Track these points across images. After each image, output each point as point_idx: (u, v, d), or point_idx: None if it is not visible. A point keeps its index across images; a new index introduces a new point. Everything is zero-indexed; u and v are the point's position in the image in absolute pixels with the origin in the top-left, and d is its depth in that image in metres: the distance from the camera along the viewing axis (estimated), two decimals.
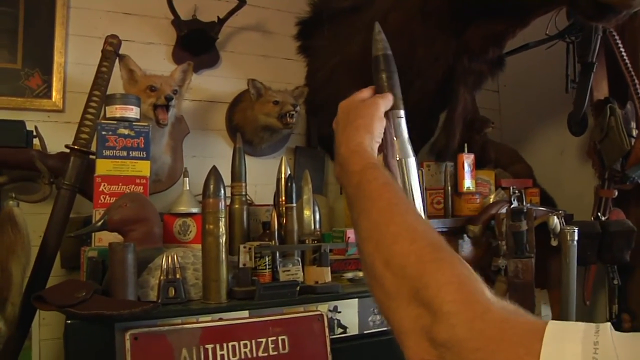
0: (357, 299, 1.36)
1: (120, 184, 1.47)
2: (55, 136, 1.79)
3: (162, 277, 1.21)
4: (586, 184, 2.36)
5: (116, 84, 1.78)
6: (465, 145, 2.17)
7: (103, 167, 1.47)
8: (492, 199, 2.15)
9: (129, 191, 1.45)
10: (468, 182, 2.14)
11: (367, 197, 0.70)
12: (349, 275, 1.49)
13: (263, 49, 2.33)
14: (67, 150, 1.60)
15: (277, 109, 2.00)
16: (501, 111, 2.97)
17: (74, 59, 1.96)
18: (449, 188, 2.13)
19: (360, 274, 1.49)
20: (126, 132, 1.48)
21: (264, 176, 2.15)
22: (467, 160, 2.16)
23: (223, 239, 1.23)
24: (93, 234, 1.43)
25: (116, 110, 1.50)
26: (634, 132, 2.18)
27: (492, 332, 0.49)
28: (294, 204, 1.48)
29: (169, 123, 1.80)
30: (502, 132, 2.86)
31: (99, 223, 1.31)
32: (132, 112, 1.51)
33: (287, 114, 1.99)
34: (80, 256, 1.47)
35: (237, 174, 1.53)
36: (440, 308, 0.52)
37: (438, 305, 0.53)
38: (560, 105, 2.41)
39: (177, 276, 1.22)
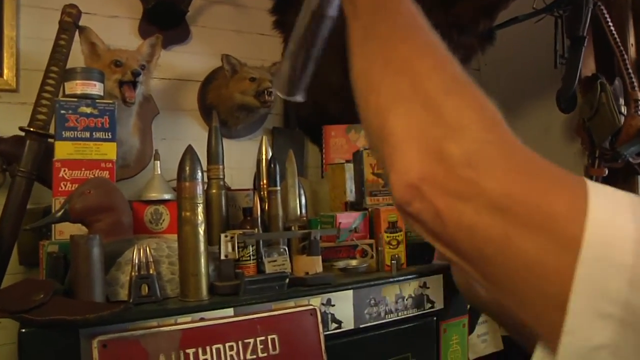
0: (351, 290, 1.24)
1: (83, 169, 1.31)
2: (8, 118, 1.64)
3: (133, 273, 1.06)
4: (572, 162, 2.31)
5: (76, 59, 1.60)
6: None
7: (63, 150, 1.30)
8: None
9: (92, 177, 1.30)
10: None
11: (404, 11, 0.56)
12: (341, 264, 1.36)
13: (236, 24, 2.17)
14: (22, 133, 1.44)
15: (254, 86, 1.85)
16: (482, 90, 2.89)
17: (27, 33, 1.77)
18: None
19: (354, 262, 1.38)
20: (88, 110, 1.32)
21: (239, 159, 2.03)
22: None
23: (202, 228, 1.09)
24: (53, 225, 1.27)
25: (77, 86, 1.33)
26: (623, 109, 2.12)
27: (530, 161, 0.43)
28: (278, 188, 1.35)
29: (136, 102, 1.64)
30: None
31: (59, 213, 1.15)
32: (95, 88, 1.35)
33: (265, 92, 1.85)
34: (39, 251, 1.31)
35: (214, 156, 1.39)
36: (474, 120, 0.45)
37: (470, 118, 0.45)
38: (543, 83, 2.34)
39: (151, 271, 1.07)
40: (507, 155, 0.44)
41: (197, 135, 2.00)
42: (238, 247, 1.16)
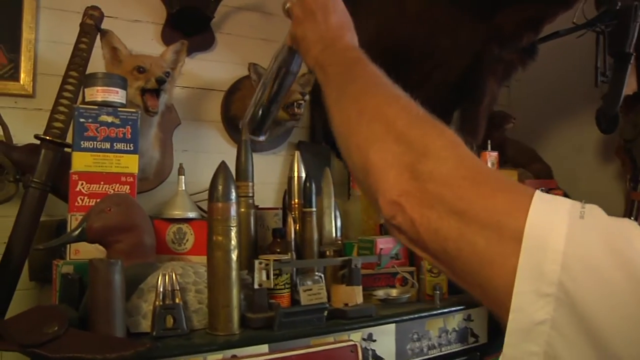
0: (394, 324, 1.12)
1: (101, 183, 1.21)
2: (24, 125, 1.55)
3: (157, 303, 0.95)
4: (605, 184, 2.20)
5: (96, 65, 1.51)
6: (489, 142, 1.95)
7: (81, 161, 1.21)
8: None
9: (112, 192, 1.20)
10: None
11: (369, 73, 0.68)
12: (380, 293, 1.24)
13: (263, 32, 2.07)
14: (37, 142, 1.35)
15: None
16: (512, 107, 2.78)
17: (46, 36, 1.68)
18: None
19: (394, 292, 1.26)
20: (110, 119, 1.22)
21: (262, 174, 1.91)
22: (490, 159, 1.94)
23: (235, 254, 0.98)
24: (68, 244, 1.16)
25: (97, 93, 1.24)
26: None
27: (480, 171, 0.52)
28: (314, 209, 1.23)
29: (159, 111, 1.54)
30: (514, 129, 2.67)
31: (76, 232, 1.05)
32: (117, 95, 1.25)
33: (295, 104, 1.74)
34: (52, 270, 1.21)
35: (244, 172, 1.28)
36: (434, 145, 0.54)
37: (431, 144, 0.54)
38: (576, 101, 2.23)
39: (177, 300, 0.96)
40: (460, 168, 0.51)
41: (219, 148, 1.90)
42: (273, 275, 1.05)
